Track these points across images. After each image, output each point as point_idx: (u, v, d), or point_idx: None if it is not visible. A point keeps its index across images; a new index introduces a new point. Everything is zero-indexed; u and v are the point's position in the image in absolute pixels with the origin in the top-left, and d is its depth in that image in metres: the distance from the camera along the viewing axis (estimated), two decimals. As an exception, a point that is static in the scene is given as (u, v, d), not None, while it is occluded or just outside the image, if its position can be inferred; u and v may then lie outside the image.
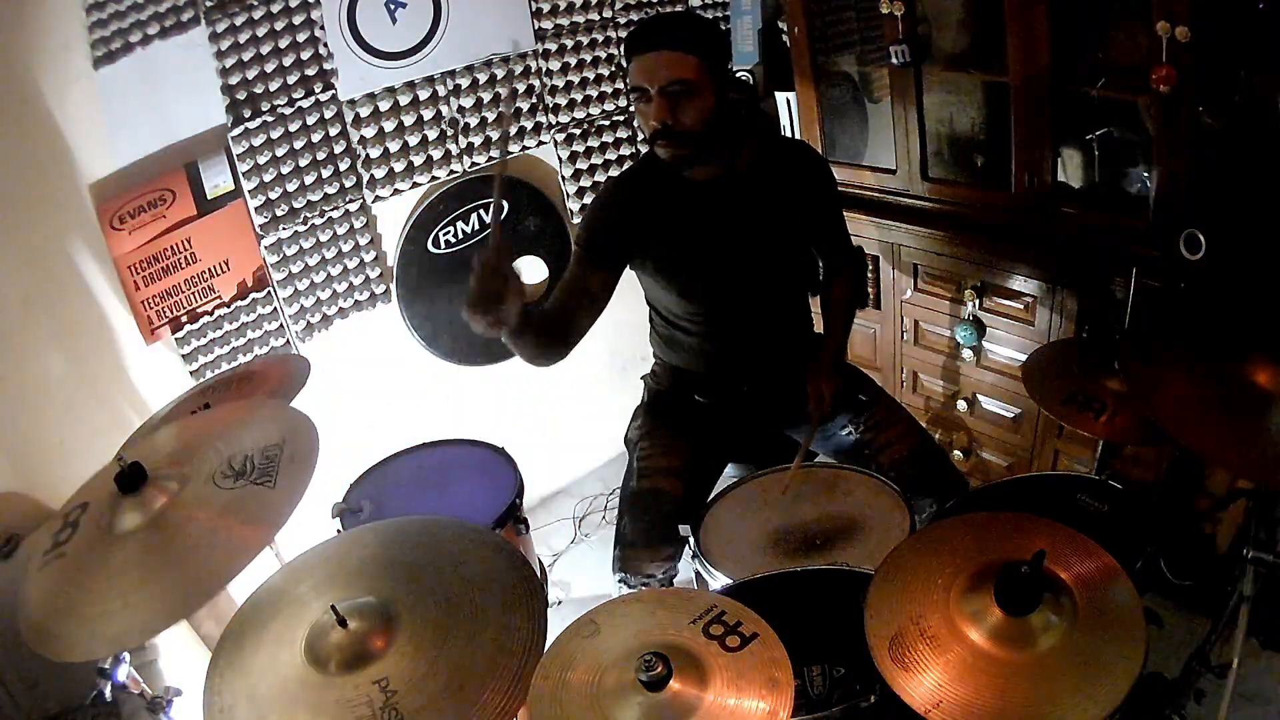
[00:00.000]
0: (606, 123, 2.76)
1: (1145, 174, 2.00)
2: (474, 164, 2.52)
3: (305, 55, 2.16)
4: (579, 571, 2.71)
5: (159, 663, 1.80)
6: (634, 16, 2.69)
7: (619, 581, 1.79)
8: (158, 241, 2.05)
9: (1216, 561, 1.92)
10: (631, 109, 2.78)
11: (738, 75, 2.75)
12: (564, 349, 1.70)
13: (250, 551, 1.22)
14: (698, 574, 1.63)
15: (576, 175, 2.75)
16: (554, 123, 2.65)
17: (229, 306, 2.21)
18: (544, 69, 2.57)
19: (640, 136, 2.84)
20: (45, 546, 1.28)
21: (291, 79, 2.15)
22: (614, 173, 2.81)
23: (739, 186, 1.74)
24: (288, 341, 2.34)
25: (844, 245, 2.00)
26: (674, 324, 1.90)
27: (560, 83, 2.62)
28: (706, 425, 1.92)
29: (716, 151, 1.68)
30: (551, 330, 1.67)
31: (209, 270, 2.15)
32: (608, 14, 2.64)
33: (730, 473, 2.02)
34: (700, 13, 2.83)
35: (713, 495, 1.81)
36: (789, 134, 2.75)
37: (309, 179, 2.25)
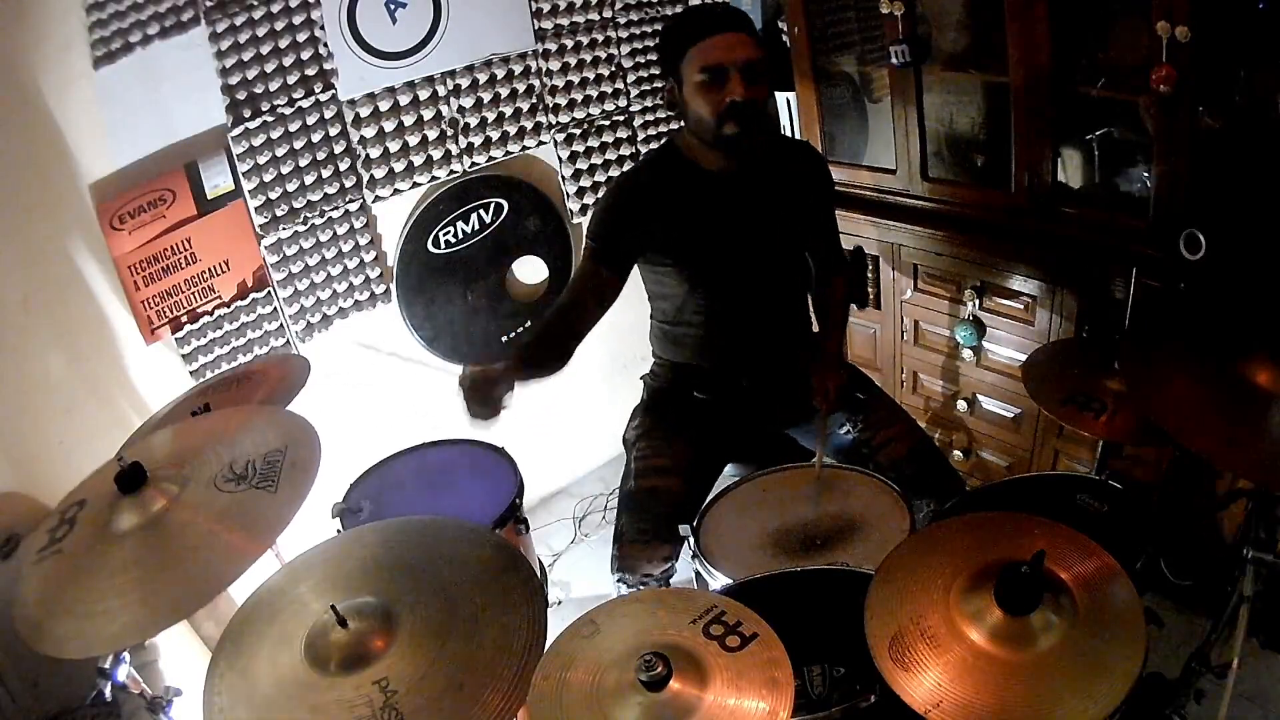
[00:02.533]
0: (606, 123, 2.76)
1: (1145, 174, 2.00)
2: (474, 164, 2.53)
3: (305, 55, 2.16)
4: (579, 571, 2.71)
5: (159, 663, 1.80)
6: (634, 16, 2.69)
7: (617, 581, 1.79)
8: (158, 241, 2.05)
9: (1216, 561, 1.92)
10: (632, 108, 2.78)
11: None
12: (565, 355, 1.73)
13: (249, 556, 1.22)
14: (698, 574, 1.63)
15: (576, 175, 2.75)
16: (554, 123, 2.65)
17: (229, 306, 2.21)
18: (544, 69, 2.57)
19: (641, 136, 2.84)
20: (41, 543, 1.27)
21: (291, 79, 2.15)
22: (614, 172, 2.81)
23: (748, 180, 1.75)
24: (288, 341, 2.34)
25: (835, 249, 2.01)
26: (676, 319, 1.91)
27: (560, 83, 2.62)
28: (705, 424, 1.92)
29: (760, 138, 1.71)
30: (553, 343, 1.71)
31: (209, 270, 2.15)
32: (608, 14, 2.64)
33: (730, 472, 2.02)
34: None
35: (713, 495, 1.81)
36: (789, 134, 2.75)
37: (309, 179, 2.25)
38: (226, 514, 1.26)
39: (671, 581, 1.82)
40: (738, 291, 1.83)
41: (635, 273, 1.89)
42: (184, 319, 2.14)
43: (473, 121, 2.48)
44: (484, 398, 1.51)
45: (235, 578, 1.20)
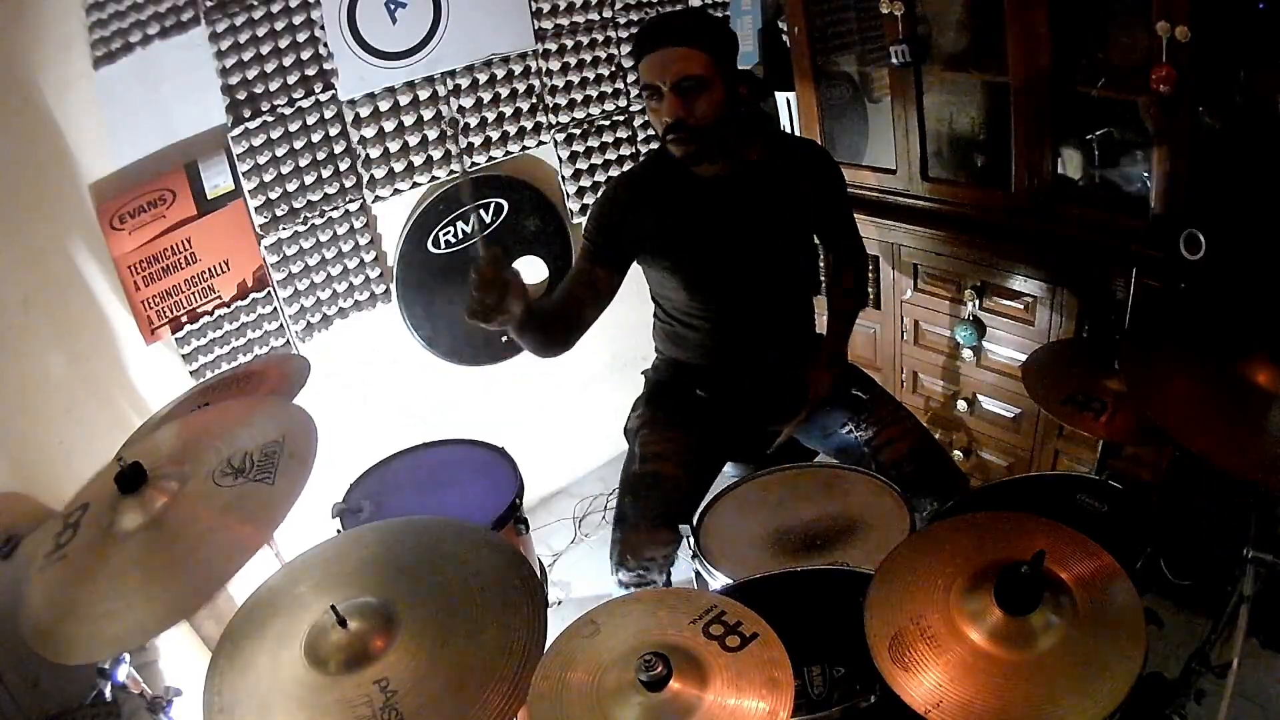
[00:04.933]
0: (606, 123, 2.76)
1: (1145, 174, 2.00)
2: (474, 164, 2.53)
3: (305, 55, 2.16)
4: (579, 571, 2.71)
5: (159, 663, 1.80)
6: (634, 17, 2.69)
7: (617, 567, 1.77)
8: (158, 241, 2.05)
9: (1216, 561, 1.92)
10: (632, 108, 2.79)
11: (747, 70, 2.75)
12: (568, 342, 1.72)
13: (249, 549, 1.22)
14: (698, 574, 1.63)
15: (576, 175, 2.75)
16: (554, 123, 2.65)
17: (229, 306, 2.21)
18: (544, 69, 2.57)
19: (641, 136, 2.84)
20: (46, 548, 1.27)
21: (291, 79, 2.15)
22: (614, 172, 2.81)
23: (746, 182, 1.75)
24: (288, 341, 2.34)
25: (852, 243, 2.00)
26: (679, 319, 1.91)
27: (560, 83, 2.62)
28: (706, 420, 1.92)
29: (727, 146, 1.69)
30: (556, 324, 1.69)
31: (209, 270, 2.15)
32: (608, 14, 2.64)
33: (730, 472, 2.02)
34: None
35: (713, 495, 1.81)
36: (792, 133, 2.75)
37: (309, 179, 2.25)
38: (227, 508, 1.26)
39: (671, 581, 1.82)
40: (737, 294, 1.83)
41: (639, 273, 1.89)
42: (184, 319, 2.14)
43: (473, 121, 2.48)
44: (490, 294, 1.38)
45: (236, 572, 1.20)
